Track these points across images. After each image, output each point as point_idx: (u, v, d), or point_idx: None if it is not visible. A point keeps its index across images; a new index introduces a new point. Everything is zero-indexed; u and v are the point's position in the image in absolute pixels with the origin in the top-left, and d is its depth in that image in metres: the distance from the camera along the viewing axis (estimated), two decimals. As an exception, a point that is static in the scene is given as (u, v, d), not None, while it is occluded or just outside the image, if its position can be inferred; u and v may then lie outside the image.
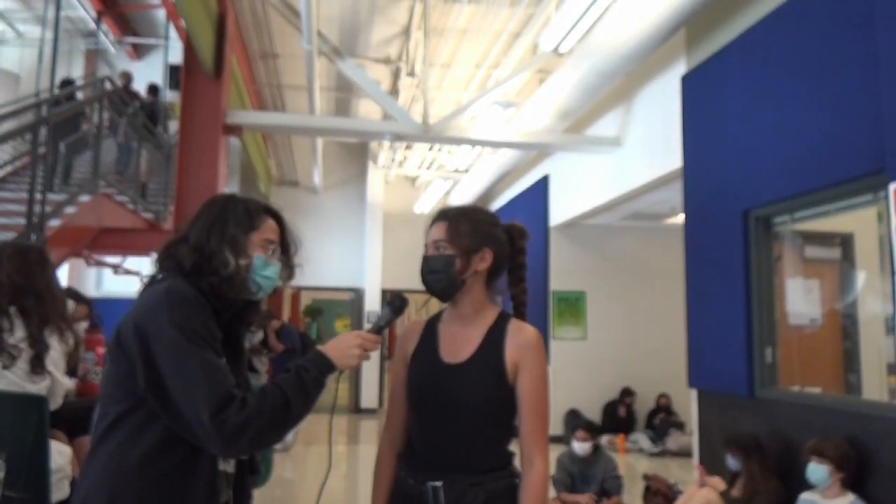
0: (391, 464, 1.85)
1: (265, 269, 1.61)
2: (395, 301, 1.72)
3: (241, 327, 1.68)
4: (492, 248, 1.79)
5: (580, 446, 4.97)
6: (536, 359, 1.73)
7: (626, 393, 8.89)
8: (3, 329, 2.26)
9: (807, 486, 3.76)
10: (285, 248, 1.70)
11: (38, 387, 2.28)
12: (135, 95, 9.45)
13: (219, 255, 1.54)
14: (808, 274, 5.12)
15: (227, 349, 1.58)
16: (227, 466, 1.56)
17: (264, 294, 1.65)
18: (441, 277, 1.76)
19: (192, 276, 1.53)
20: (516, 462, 1.78)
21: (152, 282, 1.58)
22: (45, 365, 2.29)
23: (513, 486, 1.71)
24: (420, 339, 1.85)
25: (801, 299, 5.01)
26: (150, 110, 8.91)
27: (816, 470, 3.66)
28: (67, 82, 9.14)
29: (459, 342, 1.78)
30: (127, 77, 9.93)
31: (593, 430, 5.12)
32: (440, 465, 1.71)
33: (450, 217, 1.81)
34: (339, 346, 1.58)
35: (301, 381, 1.48)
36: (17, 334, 2.28)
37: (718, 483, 4.29)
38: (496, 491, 1.69)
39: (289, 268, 1.71)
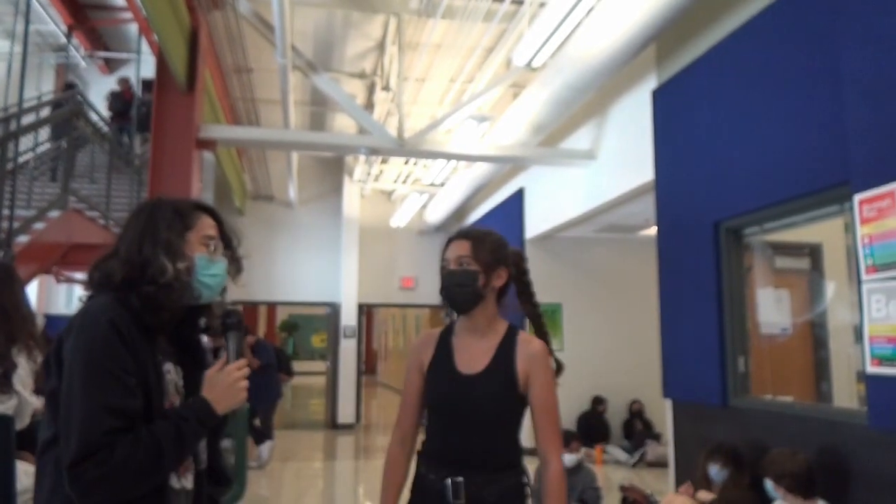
0: (402, 462, 2.04)
1: (210, 268, 1.54)
2: (232, 321, 1.63)
3: (196, 333, 1.60)
4: (506, 267, 2.02)
5: (571, 458, 4.97)
6: (545, 368, 1.96)
7: (598, 401, 8.93)
8: (-31, 348, 2.21)
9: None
10: (227, 243, 1.63)
11: (4, 406, 2.23)
12: (131, 97, 9.40)
13: (154, 263, 1.45)
14: (779, 284, 5.20)
15: (184, 357, 1.56)
16: (185, 482, 1.51)
17: (213, 294, 1.57)
18: (466, 290, 1.96)
19: (121, 291, 1.45)
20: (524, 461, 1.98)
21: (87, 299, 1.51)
22: (12, 384, 2.24)
23: (522, 483, 1.94)
24: (435, 350, 2.04)
25: (772, 309, 5.09)
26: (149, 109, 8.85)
27: (771, 488, 3.71)
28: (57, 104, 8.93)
29: (474, 354, 1.98)
30: (125, 83, 9.84)
31: (582, 442, 5.15)
32: (459, 463, 1.90)
33: (472, 237, 2.01)
34: (222, 387, 1.49)
35: (179, 431, 1.39)
36: (-17, 353, 2.24)
37: (705, 496, 4.31)
38: (509, 487, 1.90)
39: (235, 261, 1.64)
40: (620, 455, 8.41)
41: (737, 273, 4.82)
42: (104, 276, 1.48)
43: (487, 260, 1.97)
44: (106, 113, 10.23)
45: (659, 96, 5.66)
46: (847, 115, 3.64)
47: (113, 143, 7.78)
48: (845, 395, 4.94)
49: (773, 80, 4.29)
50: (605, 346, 9.00)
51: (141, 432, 1.35)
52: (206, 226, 1.58)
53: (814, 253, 5.36)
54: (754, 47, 4.49)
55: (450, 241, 2.04)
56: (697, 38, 5.18)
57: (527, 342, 1.97)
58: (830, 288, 5.15)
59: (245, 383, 1.52)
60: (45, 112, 7.84)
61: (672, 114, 5.45)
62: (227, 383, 1.50)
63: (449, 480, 1.87)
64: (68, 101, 7.67)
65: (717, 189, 4.83)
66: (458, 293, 1.96)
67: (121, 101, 10.30)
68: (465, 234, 2.02)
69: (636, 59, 5.47)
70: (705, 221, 4.93)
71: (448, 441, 1.94)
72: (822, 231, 4.84)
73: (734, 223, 4.75)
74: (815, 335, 5.18)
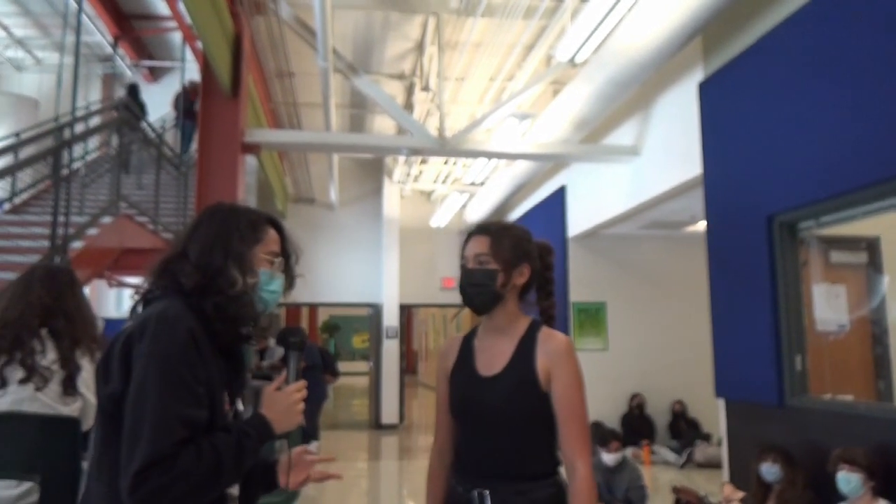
0: (441, 475, 1.93)
1: (270, 284, 1.54)
2: (295, 339, 1.66)
3: (241, 341, 1.57)
4: (529, 264, 1.87)
5: (611, 457, 4.92)
6: (567, 365, 1.78)
7: (632, 397, 8.82)
8: (36, 351, 2.26)
9: (837, 496, 3.69)
10: (286, 258, 1.63)
11: (70, 408, 2.28)
12: (196, 96, 9.62)
13: (224, 274, 1.44)
14: (835, 279, 5.05)
15: (227, 365, 1.52)
16: (233, 489, 1.50)
17: (268, 310, 1.57)
18: (483, 291, 1.83)
19: (193, 297, 1.43)
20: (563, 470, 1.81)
21: (145, 299, 1.49)
22: (77, 386, 2.29)
23: (558, 494, 1.76)
24: (458, 354, 1.93)
25: (827, 305, 4.94)
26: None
27: (848, 479, 3.59)
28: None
29: (493, 355, 1.85)
30: (193, 84, 10.00)
31: (623, 441, 5.09)
32: (486, 473, 1.77)
33: (491, 232, 1.87)
34: (281, 407, 1.48)
35: (240, 447, 1.37)
36: (49, 356, 2.28)
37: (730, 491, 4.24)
38: (541, 500, 1.73)
39: (290, 278, 1.64)
40: (669, 455, 8.27)
41: (792, 268, 4.68)
42: (174, 279, 1.46)
43: (508, 257, 1.82)
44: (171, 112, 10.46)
45: (706, 89, 5.54)
46: (910, 103, 3.50)
47: (161, 148, 7.94)
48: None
49: (829, 67, 4.15)
50: (650, 346, 8.85)
51: (203, 444, 1.32)
52: (273, 241, 1.58)
53: (871, 247, 5.19)
54: (808, 34, 4.35)
55: (469, 236, 1.91)
56: (746, 28, 5.05)
57: (548, 337, 1.82)
58: (888, 283, 4.99)
59: (302, 406, 1.51)
60: (97, 120, 8.05)
61: (720, 106, 5.33)
62: (286, 404, 1.49)
63: (475, 493, 1.75)
64: (125, 107, 7.85)
65: (769, 182, 4.70)
66: (476, 294, 1.83)
67: (187, 101, 10.52)
68: (484, 230, 1.88)
69: (681, 52, 5.36)
70: (758, 216, 4.80)
71: (472, 449, 1.82)
72: (879, 224, 4.68)
73: (788, 217, 4.62)
74: (873, 332, 5.02)
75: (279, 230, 1.61)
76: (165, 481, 1.25)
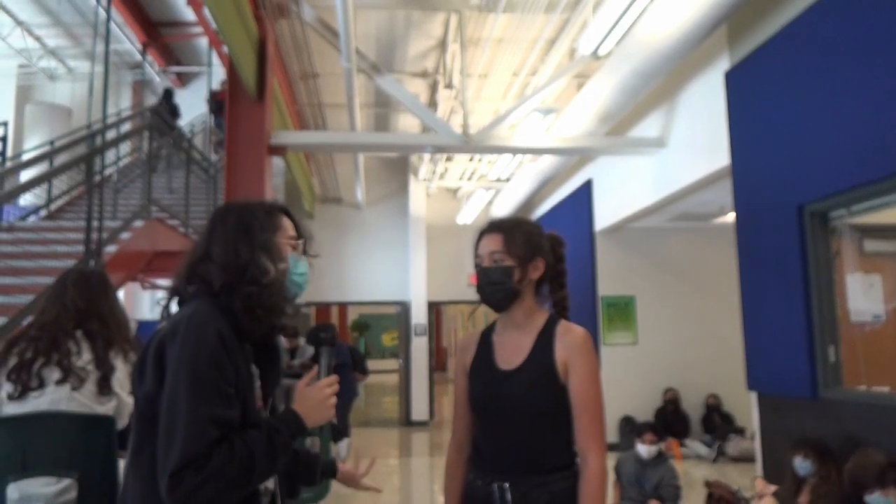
0: (460, 469, 1.94)
1: (298, 267, 1.57)
2: (325, 335, 1.69)
3: (274, 334, 1.60)
4: (543, 258, 1.89)
5: (646, 449, 4.89)
6: (585, 358, 1.79)
7: (666, 391, 8.73)
8: (71, 352, 2.33)
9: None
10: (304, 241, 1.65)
11: (105, 408, 2.34)
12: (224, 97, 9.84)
13: (255, 265, 1.46)
14: (869, 269, 4.93)
15: (262, 356, 1.56)
16: (268, 483, 1.52)
17: (301, 292, 1.60)
18: (500, 288, 1.84)
19: (222, 297, 1.45)
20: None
21: (174, 301, 1.52)
22: (111, 386, 2.35)
23: (577, 486, 1.75)
24: (477, 349, 1.95)
25: (862, 295, 4.83)
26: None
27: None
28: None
29: (513, 349, 1.86)
30: (224, 84, 10.23)
31: (659, 433, 5.04)
32: (506, 467, 1.79)
33: (504, 228, 1.88)
34: (313, 402, 1.50)
35: (272, 443, 1.39)
36: (84, 357, 2.35)
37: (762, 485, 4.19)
38: (559, 490, 1.75)
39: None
40: (701, 449, 8.18)
41: (823, 258, 4.59)
42: (202, 281, 1.48)
43: (522, 253, 1.83)
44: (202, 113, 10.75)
45: (733, 77, 5.46)
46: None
47: (190, 152, 8.06)
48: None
49: (860, 54, 4.06)
50: (681, 339, 8.75)
51: (236, 441, 1.35)
52: (289, 226, 1.60)
53: (907, 235, 5.07)
54: (837, 19, 4.26)
55: (481, 234, 1.91)
56: (772, 15, 4.96)
57: (566, 330, 1.83)
58: (926, 271, 4.86)
59: (334, 400, 1.53)
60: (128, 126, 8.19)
61: (748, 95, 5.25)
62: (318, 399, 1.51)
63: (495, 486, 1.76)
64: (154, 112, 8.00)
65: (800, 171, 4.62)
66: (494, 292, 1.84)
67: (215, 101, 10.71)
68: (496, 227, 1.89)
69: (706, 41, 5.29)
70: (788, 205, 4.72)
71: (492, 443, 1.84)
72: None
73: (820, 206, 4.53)
74: (910, 322, 4.90)
75: (289, 216, 1.63)
76: (200, 481, 1.28)
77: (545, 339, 1.83)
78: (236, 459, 1.33)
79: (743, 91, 5.32)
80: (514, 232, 1.86)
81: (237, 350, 1.43)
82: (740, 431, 8.16)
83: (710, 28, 4.86)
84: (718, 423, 8.50)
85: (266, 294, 1.47)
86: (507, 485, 1.76)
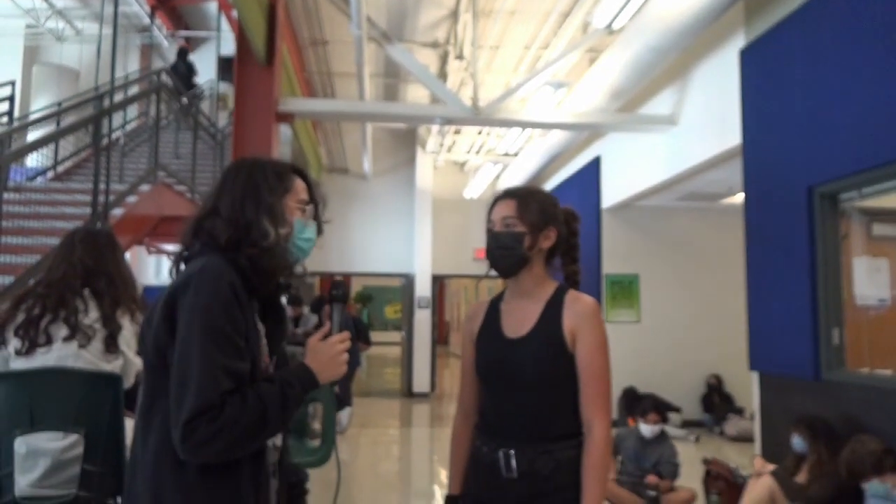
0: (466, 437, 1.95)
1: (304, 232, 1.55)
2: (339, 292, 1.65)
3: (279, 293, 1.58)
4: (556, 227, 1.88)
5: (647, 428, 4.91)
6: (593, 327, 1.79)
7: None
8: (79, 310, 2.34)
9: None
10: (315, 206, 1.62)
11: (112, 366, 2.36)
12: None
13: (257, 226, 1.46)
14: (876, 252, 4.91)
15: (267, 314, 1.55)
16: (275, 439, 1.53)
17: (305, 257, 1.58)
18: (510, 253, 1.84)
19: (228, 252, 1.44)
20: None
21: (182, 258, 1.51)
22: (118, 344, 2.37)
23: (581, 455, 1.76)
24: (484, 317, 1.94)
25: (868, 279, 4.82)
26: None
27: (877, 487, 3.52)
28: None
29: (520, 317, 1.86)
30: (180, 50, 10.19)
31: (663, 413, 5.05)
32: (512, 434, 1.80)
33: (519, 195, 1.88)
34: (325, 357, 1.49)
35: (283, 396, 1.38)
36: (92, 315, 2.36)
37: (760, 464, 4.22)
38: (565, 459, 1.75)
39: (318, 225, 1.64)
40: (677, 433, 8.10)
41: (832, 241, 4.57)
42: (210, 235, 1.47)
43: (534, 220, 1.83)
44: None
45: (747, 56, 5.38)
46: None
47: (197, 117, 8.03)
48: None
49: (877, 34, 4.00)
50: (684, 318, 8.75)
51: (248, 393, 1.34)
52: (301, 189, 1.58)
53: (917, 220, 5.03)
54: (856, -1, 4.19)
55: (496, 200, 1.90)
56: (791, -8, 4.88)
57: (575, 299, 1.82)
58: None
59: (346, 356, 1.53)
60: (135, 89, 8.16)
61: (762, 74, 5.18)
62: (330, 354, 1.50)
63: (500, 452, 1.77)
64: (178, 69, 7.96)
65: (811, 152, 4.58)
66: (502, 256, 1.84)
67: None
68: (511, 193, 1.88)
69: (722, 18, 5.20)
70: (798, 187, 4.69)
71: (499, 411, 1.84)
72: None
73: (830, 188, 4.50)
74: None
75: (304, 178, 1.61)
76: (214, 429, 1.28)
77: (553, 308, 1.82)
78: (249, 411, 1.32)
79: (758, 70, 5.25)
80: (529, 199, 1.86)
81: (247, 305, 1.43)
82: (739, 411, 8.20)
83: (726, 4, 4.79)
84: (718, 402, 8.54)
85: (265, 257, 1.46)
86: (512, 451, 1.76)
